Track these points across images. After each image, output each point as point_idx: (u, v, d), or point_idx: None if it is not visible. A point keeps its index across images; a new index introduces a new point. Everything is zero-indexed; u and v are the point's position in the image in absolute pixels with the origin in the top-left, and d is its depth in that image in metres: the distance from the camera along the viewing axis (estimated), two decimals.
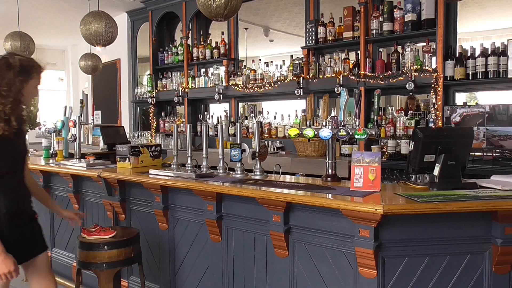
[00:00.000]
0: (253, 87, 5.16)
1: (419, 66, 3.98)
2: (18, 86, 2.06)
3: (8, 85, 2.02)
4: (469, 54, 3.80)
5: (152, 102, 6.46)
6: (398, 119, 4.13)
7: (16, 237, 2.07)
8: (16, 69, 2.06)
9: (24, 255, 2.13)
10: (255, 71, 5.23)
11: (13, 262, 1.98)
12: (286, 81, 4.87)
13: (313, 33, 4.70)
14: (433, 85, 3.88)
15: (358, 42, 4.37)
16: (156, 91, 6.43)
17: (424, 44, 4.04)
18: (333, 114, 4.22)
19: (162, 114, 6.49)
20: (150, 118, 6.57)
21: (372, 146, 4.22)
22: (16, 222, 2.09)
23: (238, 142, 2.93)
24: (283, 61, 5.10)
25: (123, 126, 5.76)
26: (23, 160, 2.23)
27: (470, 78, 3.76)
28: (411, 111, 4.13)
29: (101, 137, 5.32)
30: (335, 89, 4.40)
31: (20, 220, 2.14)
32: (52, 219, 4.16)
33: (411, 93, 4.19)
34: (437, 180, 2.22)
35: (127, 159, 3.31)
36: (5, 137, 2.02)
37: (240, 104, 5.77)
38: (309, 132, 2.61)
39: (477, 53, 3.74)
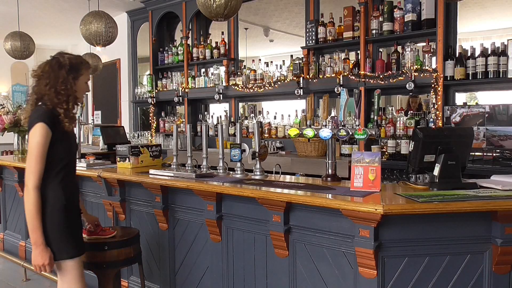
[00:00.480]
0: (253, 87, 5.16)
1: (419, 66, 3.98)
2: (72, 83, 2.16)
3: (64, 84, 2.12)
4: (469, 54, 3.80)
5: (152, 102, 6.46)
6: (398, 119, 4.13)
7: (70, 230, 2.14)
8: (66, 67, 2.15)
9: (80, 247, 2.19)
10: (255, 71, 5.23)
11: (49, 256, 2.04)
12: (286, 81, 4.87)
13: (313, 33, 4.70)
14: (433, 85, 3.88)
15: (358, 42, 4.37)
16: (156, 91, 6.43)
17: (424, 44, 4.04)
18: (333, 114, 4.21)
19: (162, 114, 6.49)
20: (150, 118, 6.57)
21: (372, 146, 4.22)
22: (70, 215, 2.15)
23: (238, 142, 2.93)
24: (283, 61, 5.09)
25: (123, 126, 5.76)
26: (75, 155, 2.36)
27: (470, 78, 3.75)
28: (411, 111, 4.13)
29: (101, 137, 5.31)
30: (335, 89, 4.40)
31: (73, 213, 2.19)
32: None
33: (411, 93, 4.19)
34: (437, 180, 2.23)
35: (127, 159, 3.31)
36: (69, 132, 2.17)
37: (240, 104, 5.77)
38: (309, 132, 2.61)
39: (477, 53, 3.74)
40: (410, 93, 4.20)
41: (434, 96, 3.89)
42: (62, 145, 2.12)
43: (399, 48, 4.19)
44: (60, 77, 2.12)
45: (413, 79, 3.96)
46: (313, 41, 4.71)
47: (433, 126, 3.85)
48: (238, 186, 2.53)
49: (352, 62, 4.50)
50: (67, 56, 2.20)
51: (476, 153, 3.67)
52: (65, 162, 2.15)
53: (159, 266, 3.16)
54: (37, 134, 2.03)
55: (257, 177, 2.82)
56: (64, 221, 2.10)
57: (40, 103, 2.13)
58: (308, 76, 4.72)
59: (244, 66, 5.59)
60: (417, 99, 4.25)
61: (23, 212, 4.47)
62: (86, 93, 2.35)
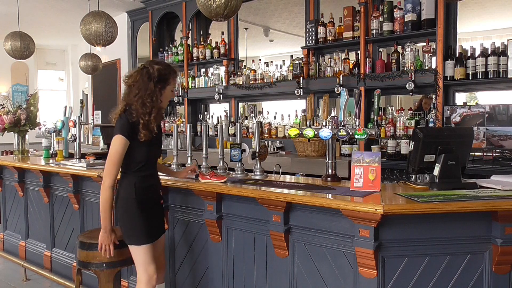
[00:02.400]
0: (253, 87, 5.16)
1: (419, 66, 3.98)
2: (158, 94, 2.34)
3: (151, 96, 2.30)
4: (469, 54, 3.79)
5: None
6: (398, 119, 4.12)
7: (142, 220, 2.39)
8: (155, 79, 2.31)
9: (150, 235, 2.43)
10: (255, 71, 5.23)
11: (112, 240, 2.41)
12: (286, 81, 4.87)
13: (313, 33, 4.70)
14: (433, 85, 3.87)
15: (358, 42, 4.36)
16: None
17: (424, 44, 4.04)
18: (333, 114, 4.22)
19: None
20: None
21: (372, 146, 4.22)
22: (143, 206, 2.40)
23: (238, 142, 2.93)
24: (283, 61, 5.09)
25: None
26: (157, 156, 2.56)
27: (470, 78, 3.75)
28: (412, 111, 4.12)
29: (101, 137, 5.32)
30: (335, 89, 4.39)
31: (147, 205, 2.43)
32: (52, 219, 4.16)
33: (426, 94, 4.11)
34: (437, 180, 2.23)
35: None
36: (145, 141, 2.33)
37: (240, 104, 5.76)
38: (309, 132, 2.61)
39: (477, 53, 3.74)
40: (426, 94, 4.11)
41: (434, 96, 3.89)
42: (140, 151, 2.36)
43: (399, 48, 4.19)
44: (148, 89, 2.30)
45: (413, 79, 3.95)
46: (313, 41, 4.71)
47: (433, 126, 3.85)
48: (238, 186, 2.53)
49: (352, 62, 4.50)
50: (157, 67, 2.34)
51: (476, 153, 3.67)
52: (141, 164, 2.40)
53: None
54: (117, 144, 2.30)
55: (257, 177, 2.82)
56: (134, 213, 2.38)
57: (128, 110, 2.34)
58: (308, 76, 4.72)
59: (244, 66, 5.59)
60: (430, 100, 4.18)
61: (23, 212, 4.50)
62: (171, 98, 2.52)
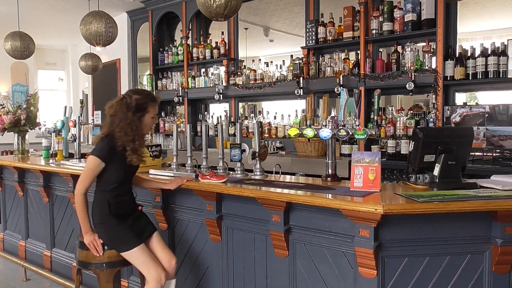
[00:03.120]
0: (253, 87, 5.16)
1: (419, 66, 3.98)
2: (138, 123, 2.46)
3: (131, 126, 2.42)
4: (469, 54, 3.79)
5: None
6: (398, 119, 4.12)
7: (123, 228, 2.51)
8: (133, 109, 2.44)
9: (137, 239, 2.51)
10: (255, 71, 5.23)
11: (94, 238, 2.51)
12: (286, 81, 4.87)
13: (313, 33, 4.70)
14: (433, 85, 3.88)
15: (358, 42, 4.36)
16: (156, 91, 6.43)
17: (424, 44, 4.04)
18: (333, 114, 4.21)
19: (162, 114, 6.49)
20: None
21: (372, 146, 4.22)
22: (120, 218, 2.53)
23: (238, 142, 2.93)
24: (283, 61, 5.09)
25: None
26: (133, 175, 2.67)
27: (470, 78, 3.75)
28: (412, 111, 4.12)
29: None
30: (335, 89, 4.39)
31: (122, 216, 2.55)
32: (52, 219, 4.16)
33: (417, 103, 4.15)
34: (437, 180, 2.23)
35: None
36: (127, 164, 2.48)
37: (240, 104, 5.76)
38: (309, 132, 2.61)
39: (477, 53, 3.74)
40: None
41: (434, 96, 3.89)
42: (115, 174, 2.50)
43: (399, 48, 4.19)
44: (128, 118, 2.42)
45: (413, 79, 3.95)
46: (313, 41, 4.71)
47: (433, 126, 3.85)
48: (238, 186, 2.53)
49: (352, 62, 4.50)
50: (134, 97, 2.46)
51: (476, 153, 3.66)
52: (115, 185, 2.52)
53: None
54: (90, 164, 2.46)
55: (257, 177, 2.82)
56: (113, 225, 2.51)
57: (111, 135, 2.47)
58: (308, 76, 4.72)
59: (244, 66, 5.59)
60: (421, 109, 4.17)
61: (23, 212, 4.50)
62: (154, 124, 2.61)
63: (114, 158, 2.47)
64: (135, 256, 2.49)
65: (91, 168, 2.46)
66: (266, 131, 5.13)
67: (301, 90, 4.69)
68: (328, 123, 2.62)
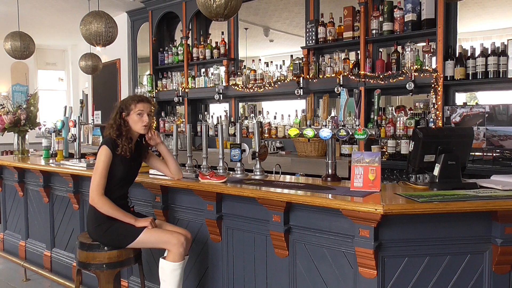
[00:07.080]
0: (253, 87, 5.16)
1: (419, 66, 3.98)
2: (122, 122, 2.61)
3: (117, 125, 2.59)
4: (469, 54, 3.79)
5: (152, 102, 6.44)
6: (398, 119, 4.13)
7: (120, 224, 2.54)
8: (120, 109, 2.63)
9: (131, 234, 2.53)
10: (255, 71, 5.23)
11: (148, 220, 2.55)
12: (286, 81, 4.87)
13: (313, 33, 4.70)
14: (433, 85, 3.88)
15: (358, 42, 4.37)
16: (156, 91, 6.43)
17: (424, 44, 4.04)
18: (333, 114, 4.23)
19: (162, 114, 6.49)
20: None
21: (372, 146, 4.22)
22: (114, 219, 2.54)
23: (238, 142, 2.93)
24: (283, 61, 5.09)
25: None
26: (131, 180, 2.75)
27: (470, 78, 3.75)
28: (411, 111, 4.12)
29: (101, 137, 5.31)
30: (335, 89, 4.39)
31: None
32: (52, 219, 4.16)
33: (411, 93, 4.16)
34: (437, 180, 2.23)
35: None
36: (124, 158, 2.57)
37: (240, 104, 5.76)
38: (309, 132, 2.61)
39: (477, 53, 3.74)
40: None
41: (434, 96, 3.89)
42: (114, 173, 2.57)
43: (399, 48, 4.19)
44: (118, 120, 2.62)
45: (413, 79, 3.96)
46: (313, 41, 4.71)
47: (433, 126, 3.85)
48: (238, 186, 2.53)
49: (352, 62, 4.50)
50: (122, 100, 2.70)
51: (476, 153, 3.66)
52: (114, 186, 2.59)
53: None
54: (101, 154, 2.55)
55: (257, 177, 2.82)
56: (111, 225, 2.53)
57: (109, 137, 2.62)
58: (308, 76, 4.72)
59: (244, 66, 5.59)
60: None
61: (23, 212, 4.50)
62: (145, 124, 2.65)
63: (114, 155, 2.55)
64: (145, 239, 2.51)
65: (103, 159, 2.53)
66: (266, 131, 5.14)
67: (301, 90, 4.69)
68: (328, 123, 2.62)
